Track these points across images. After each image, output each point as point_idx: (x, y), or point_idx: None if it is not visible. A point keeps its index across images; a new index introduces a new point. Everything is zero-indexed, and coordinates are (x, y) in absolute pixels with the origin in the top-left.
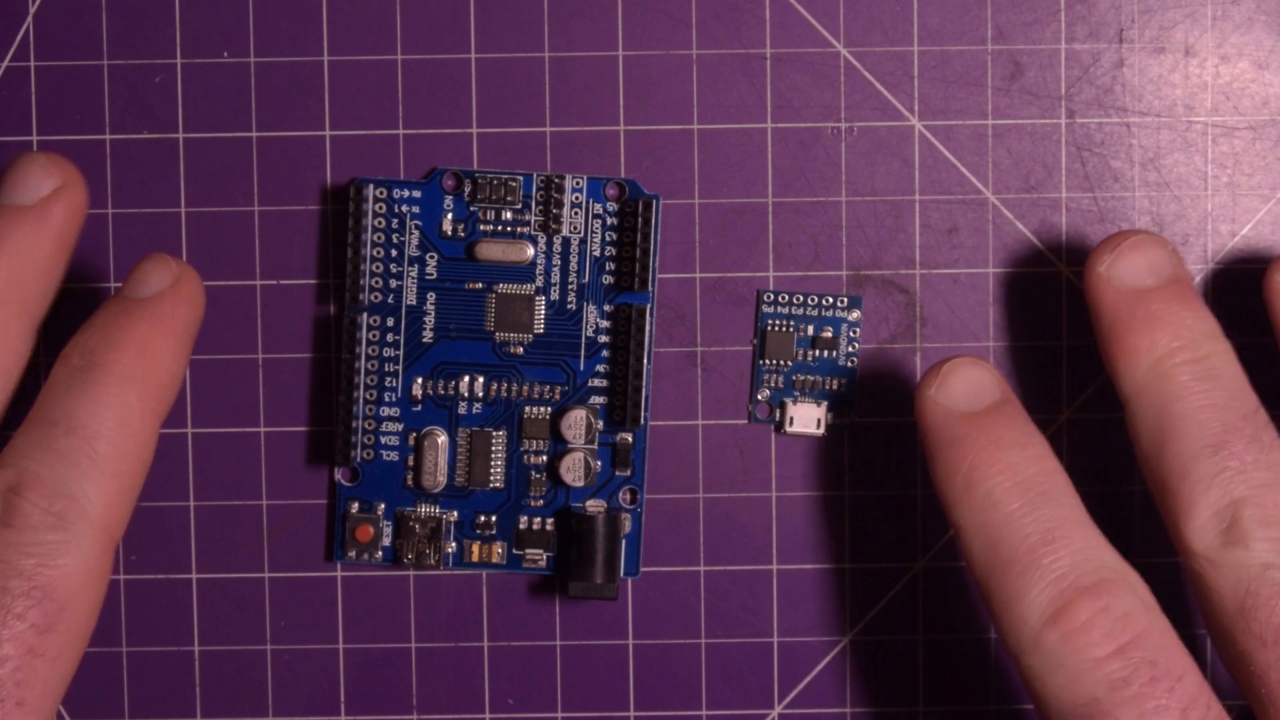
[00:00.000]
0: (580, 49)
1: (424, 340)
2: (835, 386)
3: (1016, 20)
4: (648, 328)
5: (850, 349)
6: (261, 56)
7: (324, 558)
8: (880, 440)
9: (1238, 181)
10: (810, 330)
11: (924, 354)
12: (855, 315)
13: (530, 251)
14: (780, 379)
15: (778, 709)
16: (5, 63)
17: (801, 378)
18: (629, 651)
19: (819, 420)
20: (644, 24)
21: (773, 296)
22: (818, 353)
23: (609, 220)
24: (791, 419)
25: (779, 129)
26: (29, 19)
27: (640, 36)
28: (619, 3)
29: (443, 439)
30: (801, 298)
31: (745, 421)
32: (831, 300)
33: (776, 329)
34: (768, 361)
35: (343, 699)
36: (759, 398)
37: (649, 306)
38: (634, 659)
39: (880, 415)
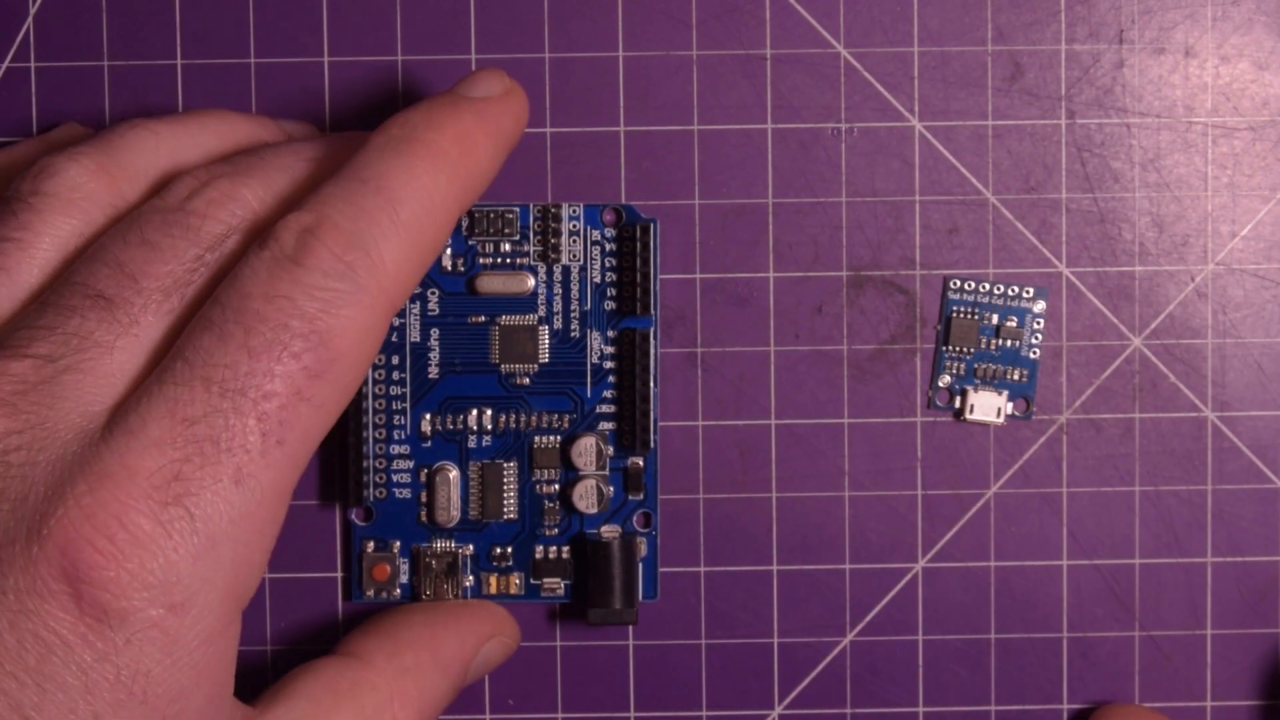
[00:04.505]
0: (580, 49)
1: (430, 376)
2: (1017, 377)
3: (1016, 21)
4: (652, 351)
5: (1034, 340)
6: (261, 57)
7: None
8: (878, 441)
9: (1238, 182)
10: (995, 319)
11: (924, 355)
12: (1040, 307)
13: (531, 282)
14: (962, 366)
15: (778, 709)
16: (5, 63)
17: (984, 366)
18: (629, 651)
19: (999, 410)
20: (644, 25)
21: (959, 284)
22: (1001, 342)
23: (607, 246)
24: (972, 406)
25: (779, 129)
26: (29, 19)
27: (640, 37)
28: (619, 3)
29: (454, 473)
30: (987, 286)
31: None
32: (1017, 290)
33: (961, 316)
34: (951, 349)
35: None
36: (939, 384)
37: (652, 330)
38: (634, 659)
39: (881, 416)
